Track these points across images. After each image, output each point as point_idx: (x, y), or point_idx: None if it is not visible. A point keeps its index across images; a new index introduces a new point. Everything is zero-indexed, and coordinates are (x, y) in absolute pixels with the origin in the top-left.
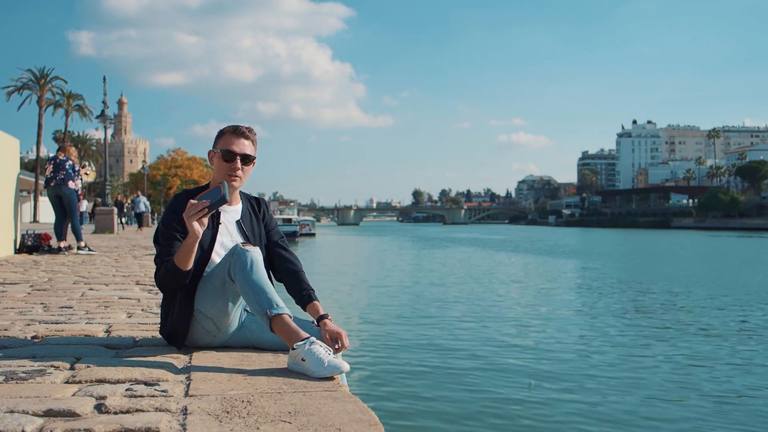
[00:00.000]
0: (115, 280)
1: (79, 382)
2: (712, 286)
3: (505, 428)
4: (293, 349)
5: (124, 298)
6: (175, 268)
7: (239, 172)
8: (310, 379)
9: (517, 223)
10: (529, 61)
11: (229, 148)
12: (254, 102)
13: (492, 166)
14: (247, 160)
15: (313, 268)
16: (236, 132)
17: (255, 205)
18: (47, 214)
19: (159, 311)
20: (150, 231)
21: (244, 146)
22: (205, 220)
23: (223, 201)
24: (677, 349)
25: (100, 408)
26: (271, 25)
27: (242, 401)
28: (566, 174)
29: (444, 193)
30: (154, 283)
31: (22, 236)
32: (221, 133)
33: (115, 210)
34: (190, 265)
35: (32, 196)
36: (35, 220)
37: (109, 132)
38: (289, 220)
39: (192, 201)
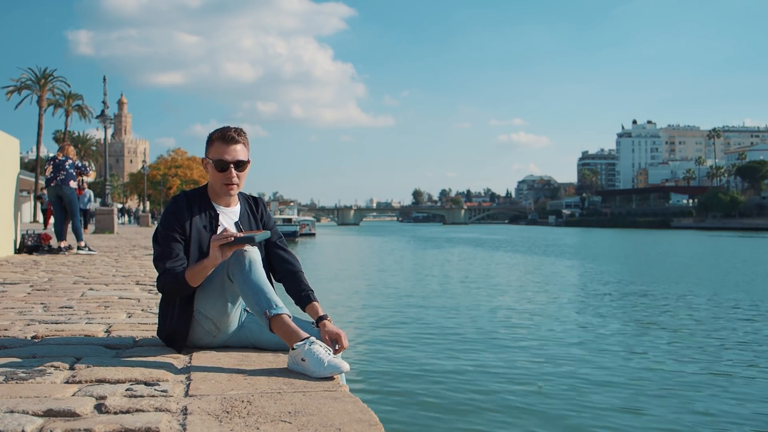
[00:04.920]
0: (115, 280)
1: (79, 382)
2: (713, 287)
3: (506, 428)
4: (293, 349)
5: (124, 298)
6: (185, 283)
7: (235, 180)
8: (310, 379)
9: (517, 223)
10: (530, 60)
11: (221, 158)
12: (254, 102)
13: (492, 166)
14: (240, 166)
15: (312, 269)
16: (225, 138)
17: (253, 205)
18: None
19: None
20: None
21: (236, 152)
22: (228, 252)
23: (251, 241)
24: (682, 349)
25: (100, 408)
26: (271, 24)
27: (242, 401)
28: (566, 174)
29: (444, 193)
30: (155, 283)
31: (22, 236)
32: (210, 140)
33: (115, 210)
34: (200, 282)
35: (32, 196)
36: (35, 220)
37: (109, 132)
38: (289, 220)
39: (227, 229)
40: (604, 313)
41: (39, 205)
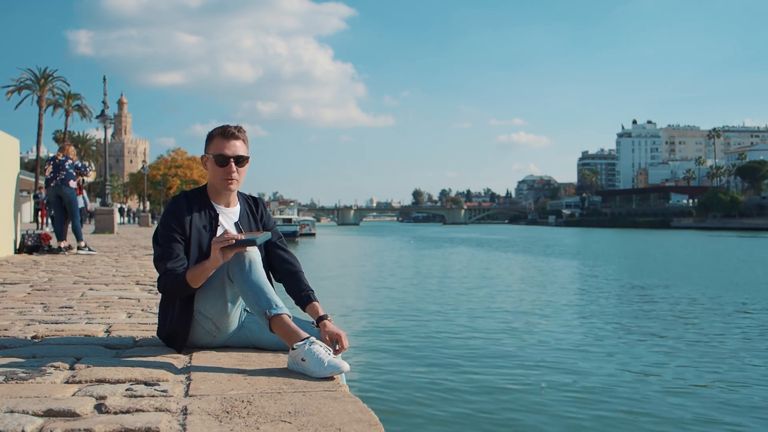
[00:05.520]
0: (115, 280)
1: (79, 382)
2: (714, 287)
3: (509, 428)
4: (293, 349)
5: (124, 298)
6: (186, 284)
7: (235, 175)
8: (310, 379)
9: (517, 223)
10: (530, 60)
11: (221, 152)
12: (254, 102)
13: (492, 166)
14: (240, 161)
15: (312, 269)
16: (225, 134)
17: (253, 206)
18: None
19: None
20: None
21: (236, 148)
22: (230, 254)
23: (252, 243)
24: (684, 351)
25: (100, 408)
26: (271, 24)
27: (242, 401)
28: (566, 174)
29: (444, 193)
30: (155, 283)
31: (22, 236)
32: (210, 137)
33: (118, 210)
34: (202, 283)
35: (32, 195)
36: (35, 220)
37: (109, 132)
38: (289, 220)
39: (227, 231)
40: (606, 314)
41: (34, 204)
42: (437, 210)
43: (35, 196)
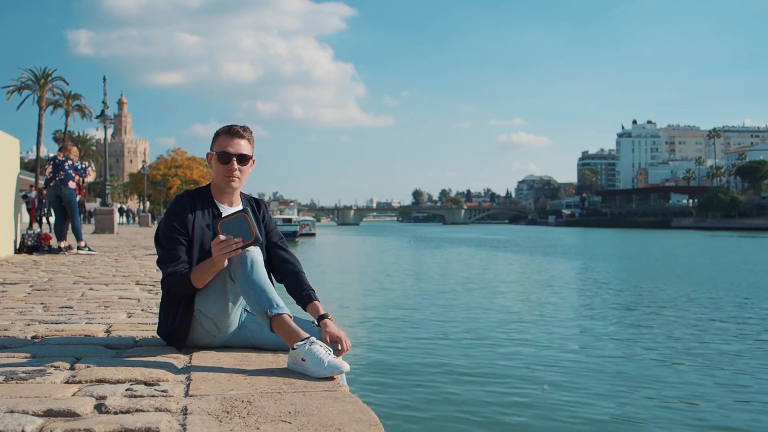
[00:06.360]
0: (115, 280)
1: (79, 382)
2: (716, 288)
3: (505, 428)
4: (293, 349)
5: (124, 298)
6: (189, 284)
7: (236, 173)
8: (310, 379)
9: (517, 223)
10: (530, 60)
11: (225, 150)
12: (254, 102)
13: (492, 166)
14: (243, 160)
15: (312, 269)
16: (231, 132)
17: (254, 207)
18: None
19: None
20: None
21: (240, 146)
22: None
23: (257, 242)
24: (686, 349)
25: (100, 408)
26: (271, 24)
27: (242, 401)
28: (566, 174)
29: (444, 193)
30: (155, 283)
31: (23, 236)
32: (217, 135)
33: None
34: (205, 283)
35: (21, 195)
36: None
37: (109, 132)
38: (289, 220)
39: (223, 237)
40: (608, 315)
41: (25, 204)
42: (437, 210)
43: (24, 196)
